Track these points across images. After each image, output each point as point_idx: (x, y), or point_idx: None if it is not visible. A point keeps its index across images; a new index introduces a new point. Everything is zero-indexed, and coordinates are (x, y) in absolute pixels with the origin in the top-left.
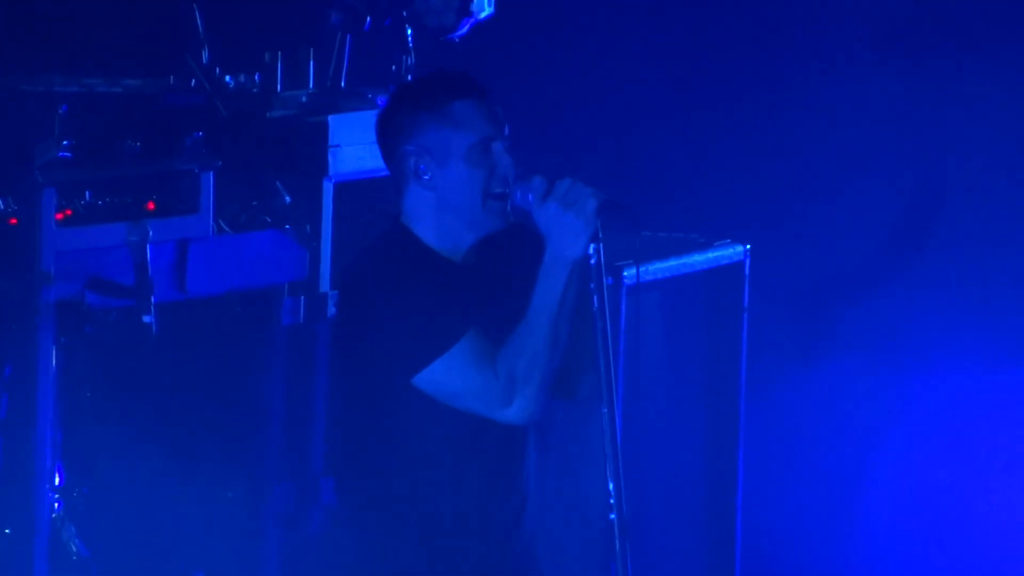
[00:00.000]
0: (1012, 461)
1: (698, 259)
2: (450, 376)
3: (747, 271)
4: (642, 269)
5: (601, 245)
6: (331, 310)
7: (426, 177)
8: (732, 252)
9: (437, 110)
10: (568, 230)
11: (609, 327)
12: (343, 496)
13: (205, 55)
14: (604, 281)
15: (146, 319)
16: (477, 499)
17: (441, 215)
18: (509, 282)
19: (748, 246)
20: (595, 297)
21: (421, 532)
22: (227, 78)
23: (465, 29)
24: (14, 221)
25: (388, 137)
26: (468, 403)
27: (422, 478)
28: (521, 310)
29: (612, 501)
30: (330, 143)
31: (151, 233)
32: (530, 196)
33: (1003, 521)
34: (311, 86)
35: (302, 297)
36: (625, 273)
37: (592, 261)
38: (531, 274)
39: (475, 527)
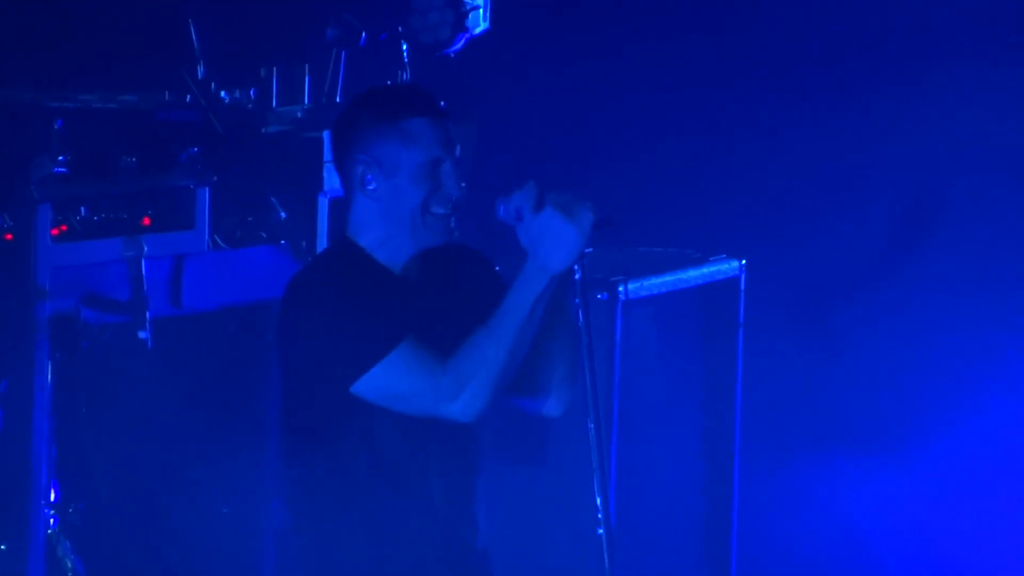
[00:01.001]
0: (1013, 463)
1: (693, 274)
2: (389, 379)
3: (743, 286)
4: (637, 284)
5: (585, 260)
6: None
7: (371, 187)
8: (728, 267)
9: (392, 124)
10: (560, 241)
11: (596, 342)
12: (289, 516)
13: (201, 71)
14: (588, 296)
15: (141, 334)
16: (423, 509)
17: (384, 226)
18: (451, 296)
19: (744, 261)
20: (580, 312)
21: (367, 545)
22: (223, 94)
23: (460, 44)
24: (10, 236)
25: (341, 143)
26: (411, 403)
27: (365, 488)
28: (460, 325)
29: (600, 516)
30: (325, 158)
31: (147, 248)
32: (517, 206)
33: (1004, 522)
34: (306, 102)
35: None
36: (620, 288)
37: (577, 276)
38: (475, 291)
39: (422, 537)
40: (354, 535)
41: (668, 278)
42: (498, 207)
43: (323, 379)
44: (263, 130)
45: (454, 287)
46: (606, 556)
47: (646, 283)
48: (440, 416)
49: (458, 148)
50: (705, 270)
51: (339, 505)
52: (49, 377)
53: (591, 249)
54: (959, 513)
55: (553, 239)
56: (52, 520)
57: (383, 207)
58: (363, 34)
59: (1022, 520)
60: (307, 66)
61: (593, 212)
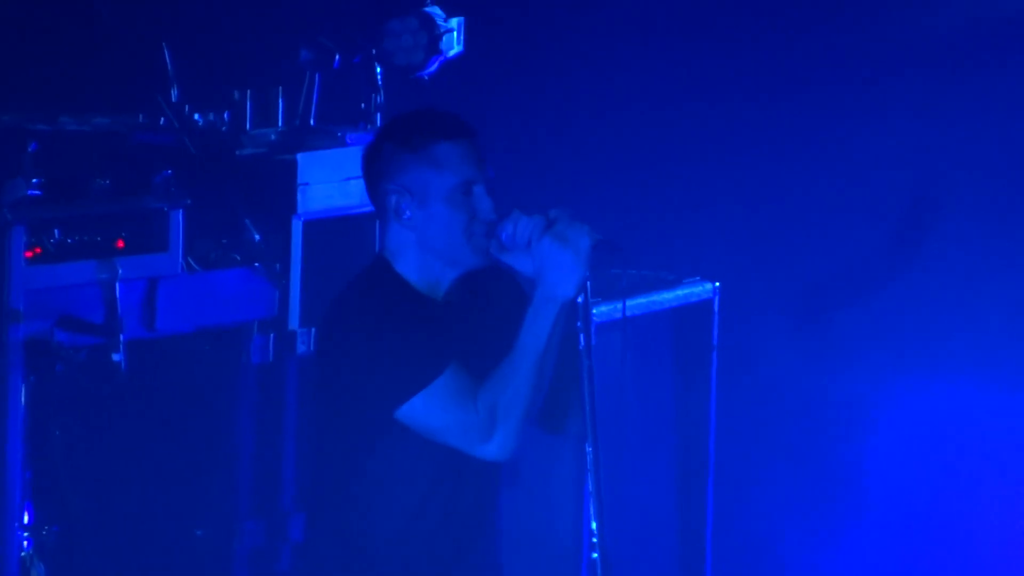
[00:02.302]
0: (1007, 467)
1: (667, 296)
2: (430, 411)
3: (716, 308)
4: (613, 307)
5: (588, 283)
6: (300, 348)
7: (407, 216)
8: (701, 290)
9: (420, 151)
10: (562, 268)
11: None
12: (315, 533)
13: (174, 93)
14: (591, 320)
15: (115, 357)
16: (451, 534)
17: (421, 253)
18: (488, 319)
19: (717, 284)
20: (581, 336)
21: (391, 567)
22: (196, 116)
23: (434, 67)
24: None
25: (371, 174)
26: (448, 438)
27: (397, 514)
28: (499, 347)
29: (595, 540)
30: (299, 181)
31: (120, 271)
32: (519, 233)
33: (998, 526)
34: (280, 124)
35: (271, 335)
36: (595, 311)
37: (579, 300)
38: (509, 312)
39: (448, 562)
40: (380, 552)
41: (642, 300)
42: (502, 230)
43: (365, 405)
44: (237, 153)
45: (491, 310)
46: None
47: (619, 305)
48: (475, 455)
49: (490, 169)
50: (679, 292)
51: (368, 524)
52: (23, 399)
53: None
54: (946, 508)
55: (552, 267)
56: (26, 543)
57: (419, 235)
58: (337, 57)
59: (1007, 528)
60: (281, 89)
61: (590, 235)
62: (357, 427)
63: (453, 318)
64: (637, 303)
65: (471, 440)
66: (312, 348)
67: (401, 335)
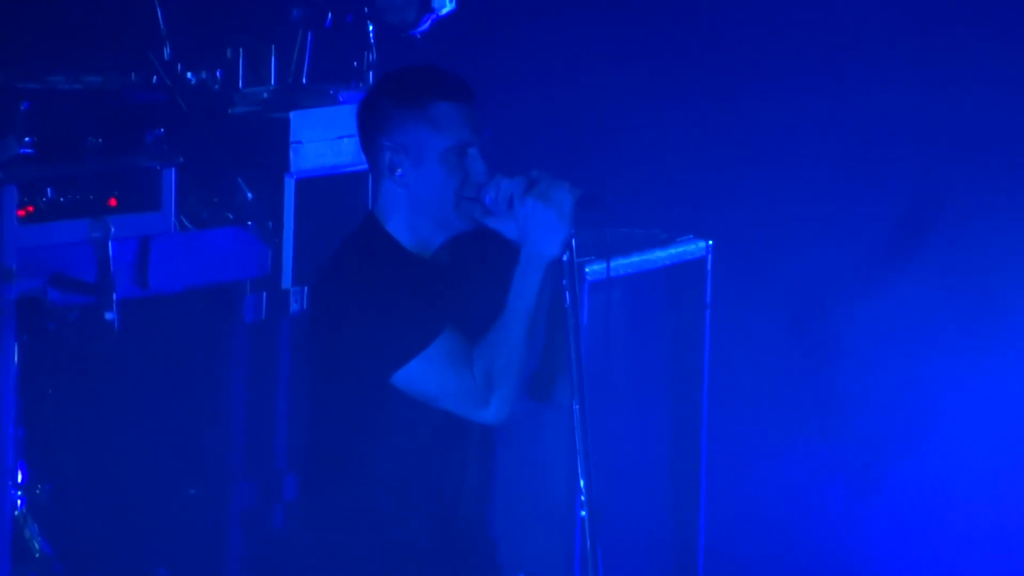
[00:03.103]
0: (991, 449)
1: (661, 255)
2: (426, 376)
3: (710, 267)
4: (604, 265)
5: (574, 241)
6: (293, 306)
7: (399, 174)
8: (695, 248)
9: (418, 109)
10: (545, 227)
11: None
12: (309, 493)
13: (167, 52)
14: (576, 278)
15: (108, 316)
16: (446, 495)
17: (412, 213)
18: (478, 281)
19: (711, 242)
20: (567, 294)
21: (387, 528)
22: (189, 74)
23: (427, 25)
24: None
25: (367, 129)
26: (444, 402)
27: (393, 476)
28: (491, 309)
29: (583, 498)
30: (292, 139)
31: (113, 230)
32: (501, 197)
33: (984, 518)
34: (273, 83)
35: (264, 293)
36: (587, 269)
37: (564, 258)
38: (500, 274)
39: (442, 524)
40: (373, 518)
41: (635, 259)
42: (485, 195)
43: (360, 371)
44: (229, 111)
45: (482, 271)
46: (588, 539)
47: (613, 264)
48: (472, 419)
49: (486, 132)
50: (672, 251)
51: (363, 486)
52: (15, 358)
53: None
54: (933, 494)
55: (537, 227)
56: (19, 502)
57: (412, 193)
58: (329, 15)
59: (998, 505)
60: (273, 47)
61: (572, 193)
62: (352, 392)
63: (444, 280)
64: (630, 261)
65: (468, 404)
66: (305, 307)
67: (395, 300)
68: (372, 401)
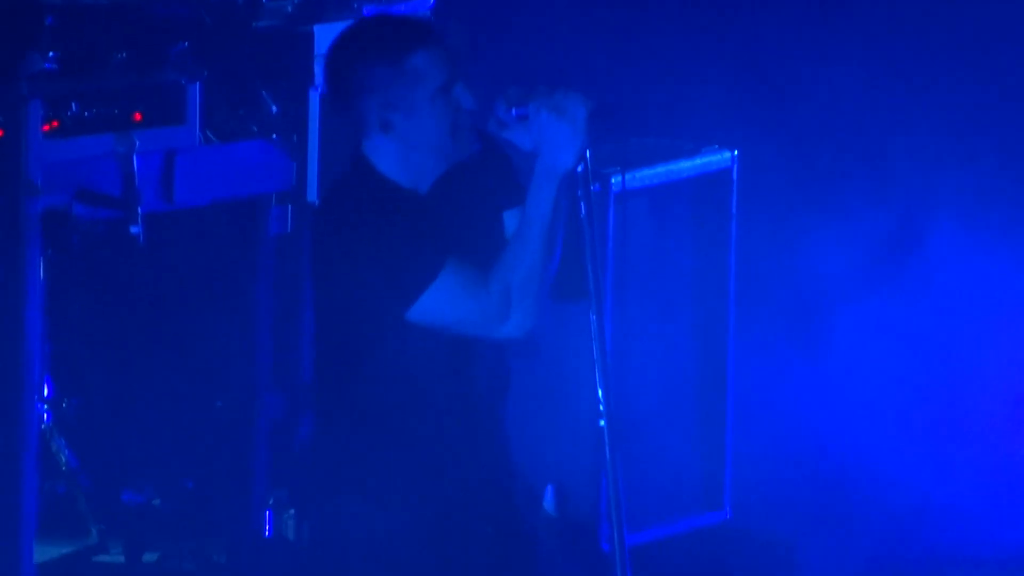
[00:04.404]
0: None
1: (686, 166)
2: (440, 307)
3: (735, 177)
4: (629, 176)
5: (588, 152)
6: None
7: (394, 129)
8: (720, 158)
9: (396, 65)
10: (559, 139)
11: (597, 234)
12: (327, 405)
13: None
14: (592, 188)
15: (133, 230)
16: (466, 407)
17: (406, 152)
18: (477, 209)
19: (736, 152)
20: (582, 204)
21: (406, 440)
22: None
23: None
24: (0, 133)
25: (343, 90)
26: (464, 328)
27: (410, 387)
28: (492, 235)
29: (601, 408)
30: (316, 52)
31: (138, 144)
32: (513, 110)
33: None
34: None
35: (289, 206)
36: (613, 180)
37: (580, 168)
38: (502, 190)
39: (461, 435)
40: (390, 450)
41: (660, 169)
42: (498, 109)
43: (369, 310)
44: (254, 24)
45: (479, 200)
46: (608, 447)
47: (639, 175)
48: (494, 337)
49: (464, 59)
50: (698, 161)
51: (377, 423)
52: (41, 273)
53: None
54: (961, 416)
55: (551, 139)
56: (46, 415)
57: (405, 142)
58: None
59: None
60: None
61: (585, 104)
62: (368, 329)
63: (443, 212)
64: (655, 172)
65: (488, 324)
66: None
67: (397, 238)
68: (387, 335)
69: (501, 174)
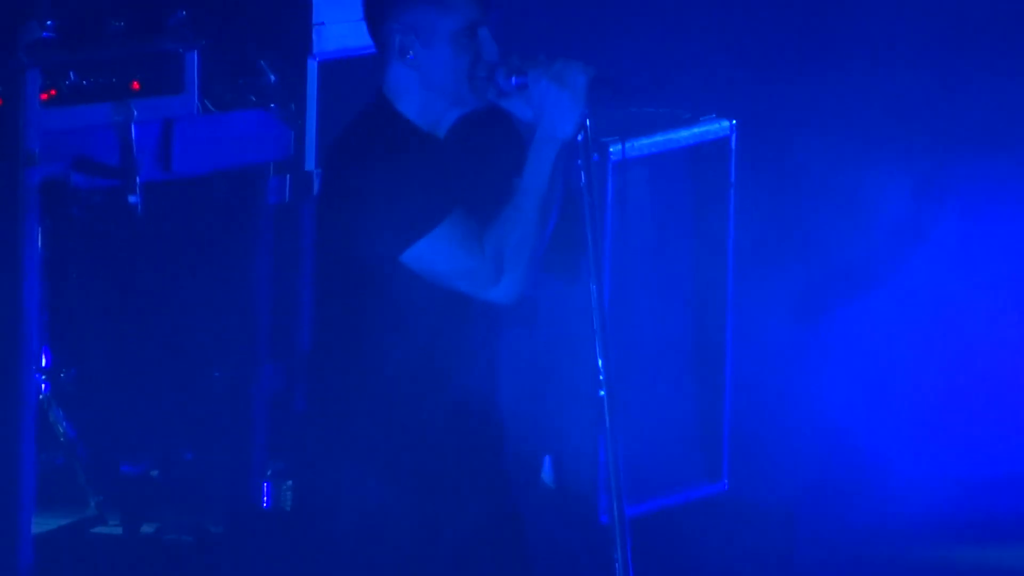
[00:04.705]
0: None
1: (684, 135)
2: (436, 255)
3: (733, 146)
4: (628, 145)
5: (588, 121)
6: (316, 188)
7: (410, 56)
8: (718, 127)
9: None
10: (559, 108)
11: (596, 203)
12: (320, 371)
13: None
14: (591, 157)
15: (132, 199)
16: (457, 373)
17: (424, 92)
18: (491, 160)
19: (734, 121)
20: (582, 173)
21: (398, 406)
22: None
23: None
24: None
25: (375, 13)
26: (454, 282)
27: (401, 355)
28: (503, 188)
29: (601, 378)
30: (314, 21)
31: (136, 113)
32: (514, 79)
33: (996, 421)
34: None
35: (287, 176)
36: (611, 149)
37: (579, 137)
38: (510, 153)
39: (453, 401)
40: (384, 393)
41: (659, 138)
42: (498, 76)
43: (368, 247)
44: None
45: (494, 150)
46: (607, 418)
47: (637, 143)
48: (482, 298)
49: (493, 12)
50: (696, 130)
51: (371, 366)
52: (39, 242)
53: (589, 110)
54: (953, 370)
55: (551, 108)
56: (43, 386)
57: (423, 75)
58: None
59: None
60: None
61: (585, 73)
62: (361, 269)
63: (455, 158)
64: (653, 141)
65: (478, 283)
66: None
67: (406, 177)
68: (379, 279)
69: (511, 139)
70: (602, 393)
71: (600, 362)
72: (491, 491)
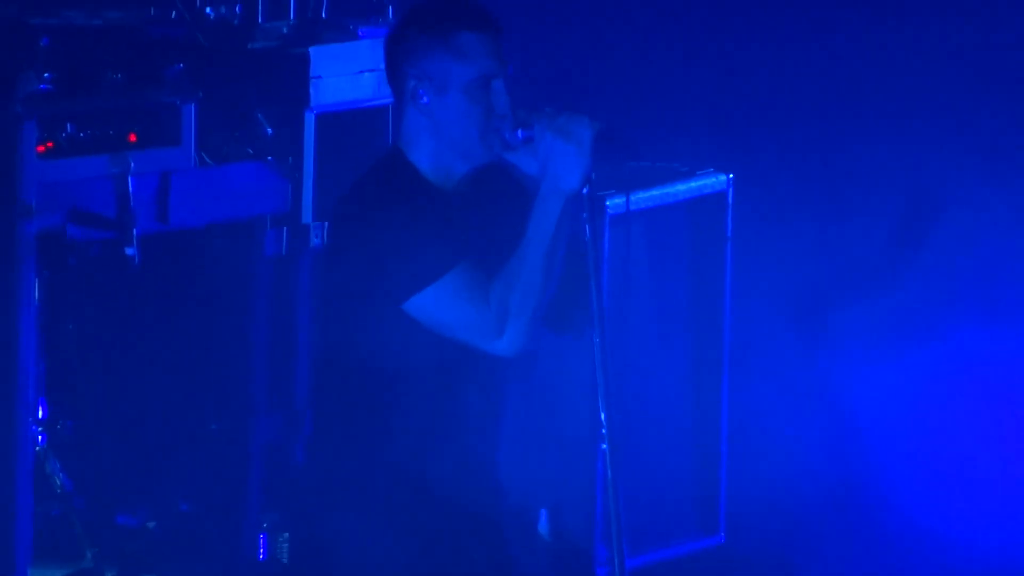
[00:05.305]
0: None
1: (681, 188)
2: (440, 305)
3: (730, 200)
4: (625, 199)
5: (592, 175)
6: (313, 241)
7: (423, 102)
8: (715, 181)
9: (442, 37)
10: (565, 161)
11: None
12: (320, 423)
13: None
14: (595, 211)
15: (128, 251)
16: (459, 428)
17: (435, 142)
18: (499, 214)
19: (731, 175)
20: (587, 227)
21: (399, 460)
22: (208, 9)
23: None
24: None
25: (393, 57)
26: (458, 333)
27: (404, 405)
28: (510, 242)
29: (603, 431)
30: (312, 74)
31: (133, 165)
32: (520, 132)
33: (996, 449)
34: (292, 17)
35: (284, 228)
36: (608, 203)
37: (584, 191)
38: (521, 207)
39: (453, 456)
40: (382, 452)
41: (656, 192)
42: (504, 131)
43: (374, 296)
44: (249, 46)
45: (503, 204)
46: (610, 471)
47: (634, 197)
48: (484, 351)
49: (510, 66)
50: (693, 184)
51: (374, 418)
52: (36, 294)
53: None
54: (956, 416)
55: (556, 161)
56: (40, 437)
57: (435, 123)
58: None
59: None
60: None
61: (591, 127)
62: (366, 318)
63: (464, 210)
64: (651, 195)
65: (482, 335)
66: (325, 240)
67: (413, 226)
68: (383, 329)
69: (518, 193)
70: (604, 446)
71: (603, 415)
72: (489, 545)
